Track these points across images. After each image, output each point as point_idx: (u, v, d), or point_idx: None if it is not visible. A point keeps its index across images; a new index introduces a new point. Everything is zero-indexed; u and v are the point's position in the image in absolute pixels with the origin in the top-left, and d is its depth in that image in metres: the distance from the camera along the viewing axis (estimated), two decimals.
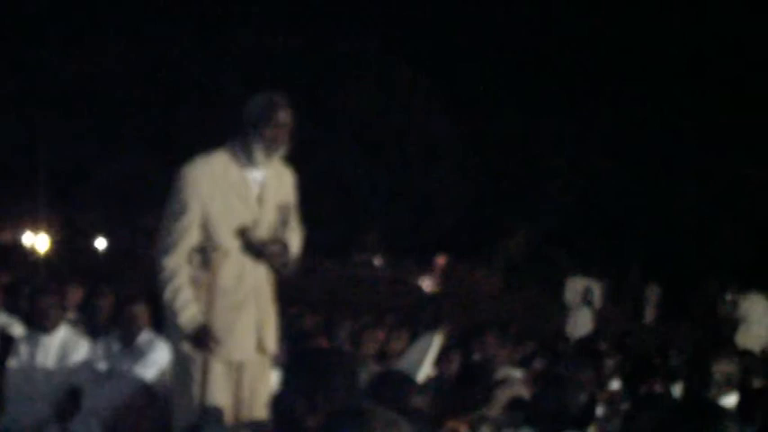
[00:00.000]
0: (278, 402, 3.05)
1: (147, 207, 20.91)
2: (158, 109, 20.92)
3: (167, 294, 4.00)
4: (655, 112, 21.81)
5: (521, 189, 22.93)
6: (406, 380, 3.42)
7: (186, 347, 4.03)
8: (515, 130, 22.62)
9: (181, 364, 4.08)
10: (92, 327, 6.14)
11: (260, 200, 4.10)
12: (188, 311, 3.98)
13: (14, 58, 20.49)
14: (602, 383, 5.57)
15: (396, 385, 3.28)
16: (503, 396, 4.72)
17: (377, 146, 22.14)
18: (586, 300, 11.97)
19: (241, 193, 4.05)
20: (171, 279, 3.99)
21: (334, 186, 20.44)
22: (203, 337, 3.95)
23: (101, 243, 23.63)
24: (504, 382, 5.09)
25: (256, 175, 4.09)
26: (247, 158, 4.05)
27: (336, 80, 21.88)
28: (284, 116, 4.04)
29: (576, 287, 12.18)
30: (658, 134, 21.96)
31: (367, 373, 4.51)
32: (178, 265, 4.00)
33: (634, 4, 22.04)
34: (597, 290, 12.30)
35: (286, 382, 3.03)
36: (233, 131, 4.13)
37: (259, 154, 4.03)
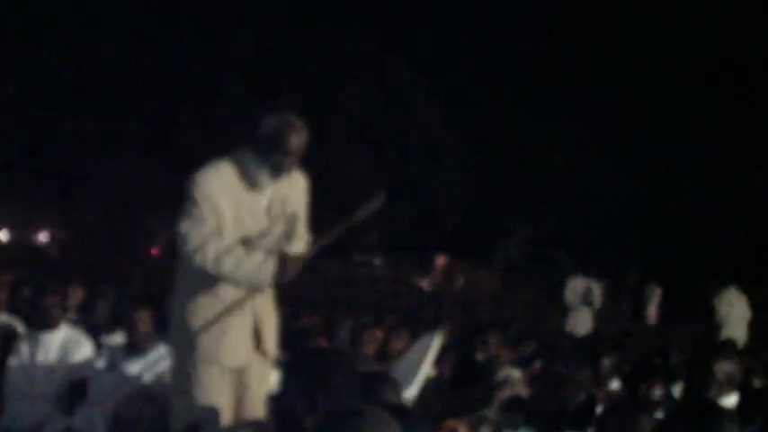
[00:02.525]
0: (277, 402, 3.05)
1: (146, 207, 20.96)
2: (158, 109, 20.91)
3: (218, 273, 3.93)
4: (655, 112, 21.80)
5: (521, 189, 22.93)
6: (387, 379, 3.44)
7: (184, 348, 4.03)
8: (515, 129, 22.62)
9: (179, 365, 4.09)
10: (91, 327, 6.15)
11: (268, 211, 4.10)
12: (261, 264, 3.93)
13: (14, 58, 20.49)
14: (601, 383, 5.57)
15: (376, 384, 3.29)
16: (503, 396, 4.72)
17: (377, 146, 22.14)
18: (587, 300, 11.94)
19: (249, 205, 4.04)
20: (221, 261, 3.91)
21: (335, 186, 20.42)
22: (290, 263, 3.96)
23: (43, 236, 23.72)
24: (504, 382, 5.09)
25: (263, 186, 4.08)
26: (253, 176, 4.03)
27: (336, 80, 21.88)
28: (296, 142, 4.00)
29: (576, 287, 12.14)
30: (658, 134, 21.96)
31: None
32: (217, 249, 3.93)
33: (634, 4, 22.04)
34: (597, 290, 12.26)
35: (285, 382, 3.03)
36: (246, 140, 4.11)
37: (263, 176, 4.02)
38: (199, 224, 3.94)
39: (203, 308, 4.03)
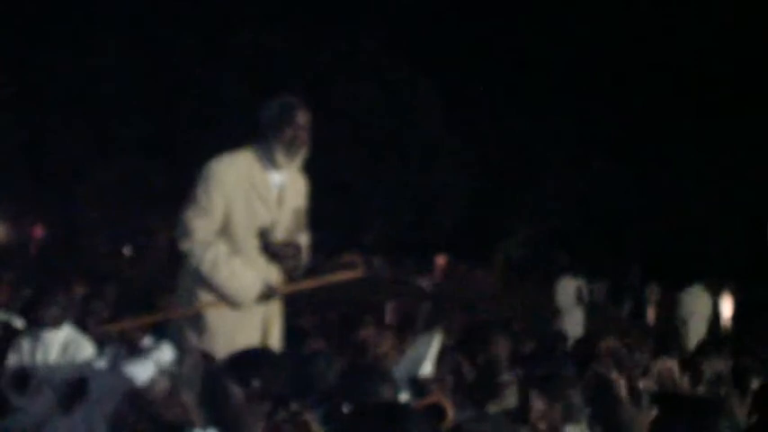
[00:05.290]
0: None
1: (146, 207, 20.96)
2: (158, 109, 20.91)
3: (209, 278, 4.05)
4: (655, 112, 21.82)
5: (520, 189, 22.94)
6: (375, 372, 3.46)
7: (194, 340, 4.06)
8: (515, 130, 22.63)
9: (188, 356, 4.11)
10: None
11: (279, 202, 4.16)
12: (249, 286, 4.05)
13: (14, 58, 20.49)
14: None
15: (364, 378, 3.32)
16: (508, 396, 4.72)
17: (377, 146, 22.14)
18: (580, 300, 11.91)
19: (262, 195, 4.12)
20: (217, 268, 4.03)
21: (335, 186, 20.44)
22: (269, 293, 4.10)
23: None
24: (509, 382, 5.09)
25: (276, 178, 4.17)
26: (269, 161, 4.12)
27: (336, 80, 21.87)
28: (303, 117, 4.13)
29: (567, 288, 12.09)
30: (658, 134, 21.97)
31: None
32: (216, 254, 4.03)
33: (634, 4, 22.06)
34: (587, 289, 12.23)
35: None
36: (249, 136, 4.19)
37: (280, 155, 4.11)
38: (205, 217, 4.00)
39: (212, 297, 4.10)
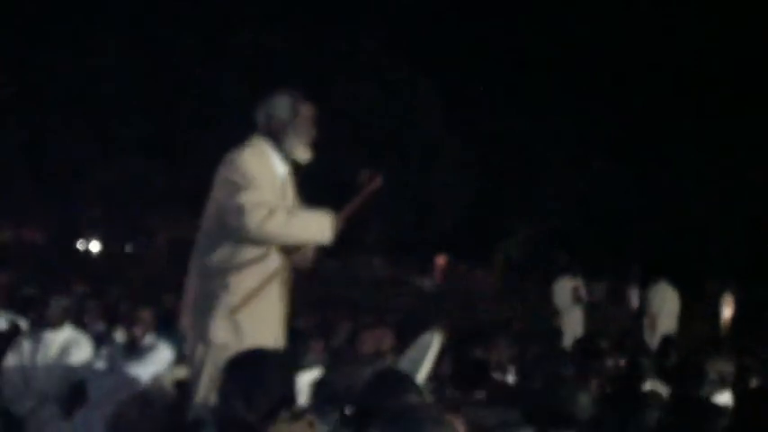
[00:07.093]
0: (218, 407, 3.09)
1: (146, 207, 20.95)
2: (158, 109, 20.90)
3: (287, 236, 4.05)
4: (655, 111, 21.81)
5: (520, 189, 22.93)
6: (404, 378, 3.45)
7: (230, 339, 4.02)
8: (515, 130, 22.62)
9: (213, 356, 4.07)
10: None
11: (283, 194, 4.21)
12: (314, 221, 4.09)
13: (15, 58, 20.48)
14: (601, 383, 5.57)
15: (393, 384, 3.31)
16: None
17: (377, 146, 22.12)
18: (577, 300, 11.91)
19: (275, 185, 4.17)
20: (291, 223, 4.03)
21: (335, 186, 20.43)
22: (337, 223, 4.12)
23: None
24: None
25: (281, 170, 4.23)
26: (280, 153, 4.19)
27: (336, 80, 21.86)
28: (310, 108, 4.25)
29: (564, 288, 12.08)
30: (658, 134, 21.96)
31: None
32: (269, 215, 3.99)
33: (634, 3, 22.05)
34: (584, 288, 12.24)
35: (223, 386, 3.05)
36: (259, 130, 4.20)
37: (297, 148, 4.20)
38: (254, 190, 4.00)
39: (251, 282, 4.07)
